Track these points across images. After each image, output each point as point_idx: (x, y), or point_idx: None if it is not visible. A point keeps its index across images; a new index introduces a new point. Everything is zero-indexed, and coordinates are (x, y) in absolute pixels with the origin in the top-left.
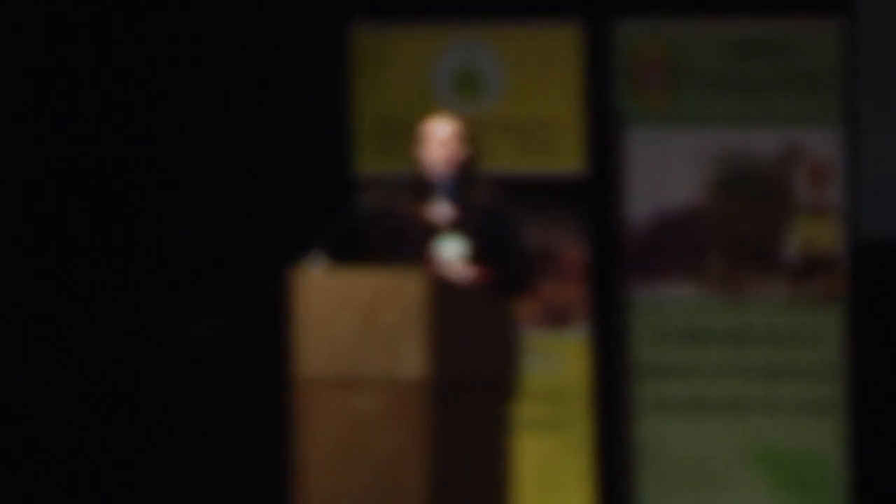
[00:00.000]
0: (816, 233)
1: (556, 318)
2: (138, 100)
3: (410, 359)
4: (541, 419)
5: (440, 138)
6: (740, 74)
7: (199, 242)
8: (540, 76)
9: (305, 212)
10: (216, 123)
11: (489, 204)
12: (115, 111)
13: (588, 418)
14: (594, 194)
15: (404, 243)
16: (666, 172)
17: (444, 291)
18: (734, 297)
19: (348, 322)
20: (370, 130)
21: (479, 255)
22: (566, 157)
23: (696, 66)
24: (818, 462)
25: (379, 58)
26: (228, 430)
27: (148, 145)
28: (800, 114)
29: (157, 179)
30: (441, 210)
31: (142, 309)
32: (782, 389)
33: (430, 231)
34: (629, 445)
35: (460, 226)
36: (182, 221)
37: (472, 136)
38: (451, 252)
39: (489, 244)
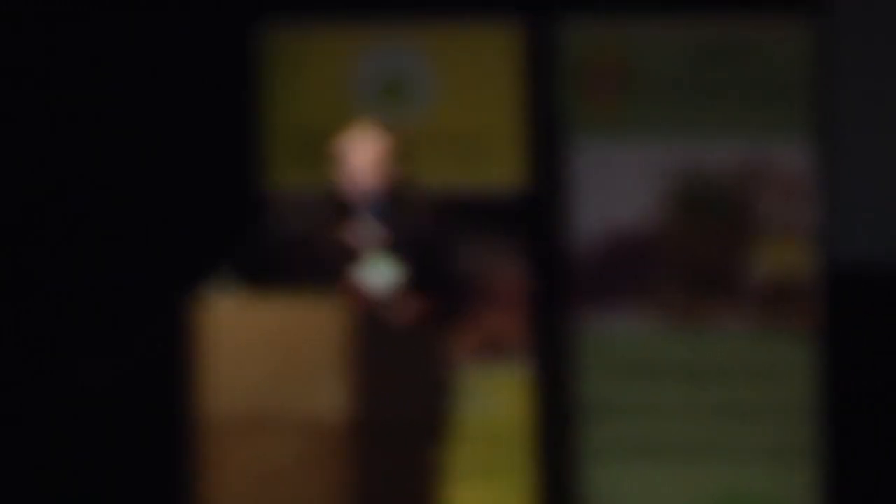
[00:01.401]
0: (785, 257)
1: (494, 352)
2: (22, 109)
3: (330, 398)
4: (476, 465)
5: (363, 155)
6: (700, 80)
7: (89, 268)
8: (475, 80)
9: (210, 233)
10: (107, 133)
11: (419, 224)
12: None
13: (529, 464)
14: (536, 212)
15: (324, 269)
16: (617, 188)
17: (367, 322)
18: (693, 329)
19: (260, 357)
20: (282, 142)
21: (410, 281)
22: (505, 171)
23: (651, 70)
24: None
25: (292, 61)
26: (123, 481)
27: (32, 154)
28: (767, 124)
29: (40, 194)
30: (366, 231)
31: (22, 346)
32: (747, 432)
33: (354, 255)
34: (575, 495)
35: (388, 249)
36: (68, 244)
37: (401, 150)
38: (379, 278)
39: (420, 269)
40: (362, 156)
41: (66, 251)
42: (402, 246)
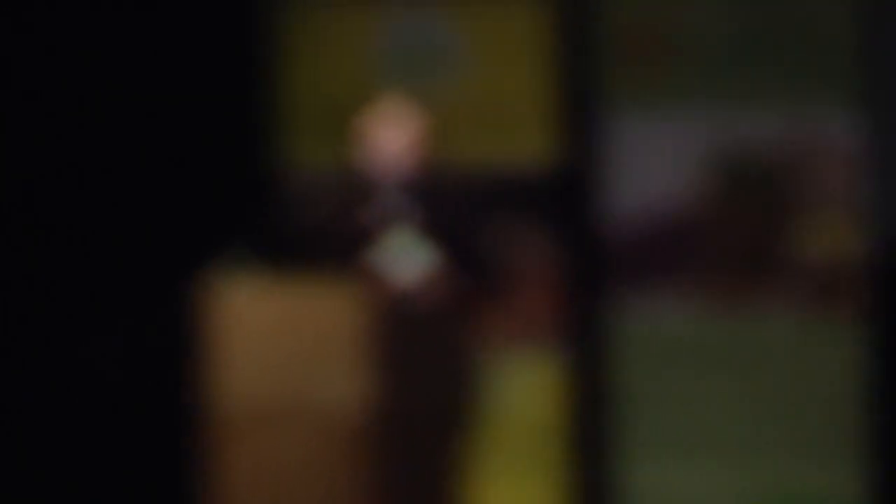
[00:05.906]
0: (837, 236)
1: (525, 339)
2: (21, 77)
3: (349, 389)
4: (507, 460)
5: (391, 135)
6: (744, 44)
7: (94, 249)
8: (500, 47)
9: (223, 214)
10: (114, 105)
11: (446, 204)
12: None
13: (563, 459)
14: (570, 189)
15: (345, 253)
16: (656, 163)
17: (389, 309)
18: (738, 314)
19: (274, 345)
20: (302, 117)
21: (437, 263)
22: (536, 146)
23: (691, 34)
24: None
25: (312, 28)
26: (129, 475)
27: (30, 128)
28: (815, 92)
29: (39, 167)
30: (392, 213)
31: (18, 329)
32: (797, 425)
33: (378, 238)
34: (613, 492)
35: (415, 231)
36: (71, 221)
37: (432, 130)
38: (406, 262)
39: (447, 251)
40: (390, 135)
41: (72, 227)
42: (430, 228)
